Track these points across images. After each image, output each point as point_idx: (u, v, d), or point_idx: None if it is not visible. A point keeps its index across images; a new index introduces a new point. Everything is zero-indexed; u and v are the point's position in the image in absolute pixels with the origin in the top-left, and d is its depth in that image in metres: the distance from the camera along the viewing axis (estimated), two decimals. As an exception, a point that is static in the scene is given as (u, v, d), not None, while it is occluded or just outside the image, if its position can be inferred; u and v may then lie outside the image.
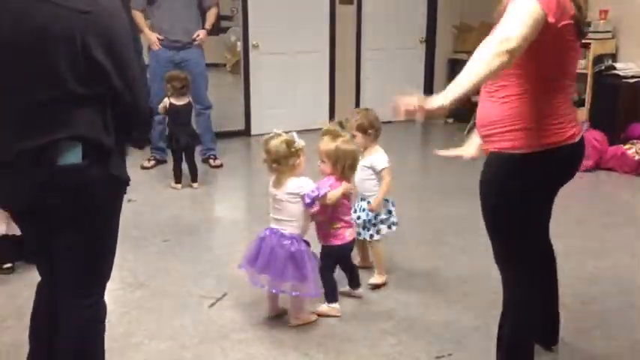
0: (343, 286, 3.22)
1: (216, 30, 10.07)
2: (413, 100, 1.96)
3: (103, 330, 2.15)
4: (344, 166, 3.00)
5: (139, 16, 5.38)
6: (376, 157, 3.33)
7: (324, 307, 3.07)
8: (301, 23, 7.13)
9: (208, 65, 6.04)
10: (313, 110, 7.35)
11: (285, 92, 7.19)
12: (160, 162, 5.73)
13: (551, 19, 2.01)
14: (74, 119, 1.84)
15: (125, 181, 2.03)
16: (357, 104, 7.59)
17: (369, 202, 3.33)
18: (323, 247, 3.08)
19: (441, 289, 3.35)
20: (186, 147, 5.06)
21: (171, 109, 4.96)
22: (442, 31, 7.95)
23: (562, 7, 2.05)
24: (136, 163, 5.40)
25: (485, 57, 1.96)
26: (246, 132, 7.08)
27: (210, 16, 5.68)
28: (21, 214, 2.05)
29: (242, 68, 7.07)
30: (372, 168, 3.32)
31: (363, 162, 3.32)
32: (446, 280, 3.47)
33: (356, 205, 3.41)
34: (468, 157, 2.62)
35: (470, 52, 5.45)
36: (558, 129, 2.17)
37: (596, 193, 5.17)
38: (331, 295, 3.06)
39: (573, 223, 4.36)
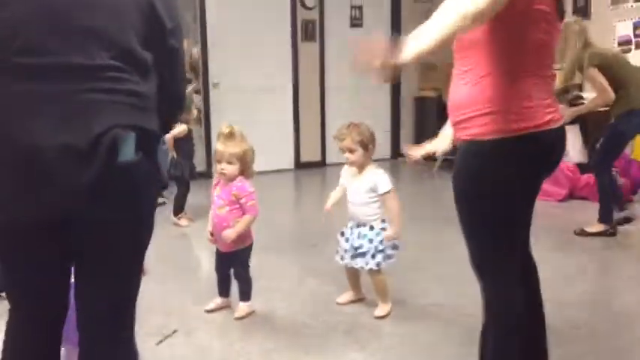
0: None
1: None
2: (379, 50, 1.69)
3: None
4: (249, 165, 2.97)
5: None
6: (378, 177, 2.96)
7: (246, 308, 3.04)
8: (263, 60, 6.96)
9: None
10: (278, 148, 7.13)
11: (249, 131, 6.90)
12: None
13: None
14: (131, 100, 1.50)
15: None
16: (323, 142, 7.39)
17: (371, 228, 2.97)
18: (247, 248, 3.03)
19: (419, 317, 3.03)
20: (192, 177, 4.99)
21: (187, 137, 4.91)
22: (407, 69, 7.85)
23: None
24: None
25: (449, 16, 1.72)
26: (207, 174, 6.77)
27: None
28: (43, 229, 1.53)
29: (202, 107, 6.82)
30: (374, 190, 2.95)
31: (361, 184, 2.99)
32: (422, 307, 3.15)
33: (348, 232, 3.05)
34: (440, 151, 2.38)
35: (436, 89, 5.15)
36: (532, 113, 1.94)
37: (572, 220, 4.95)
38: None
39: (553, 249, 4.12)
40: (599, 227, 4.45)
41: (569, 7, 6.70)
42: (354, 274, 3.16)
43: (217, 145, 2.96)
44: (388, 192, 2.94)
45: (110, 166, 1.44)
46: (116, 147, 1.45)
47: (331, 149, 7.25)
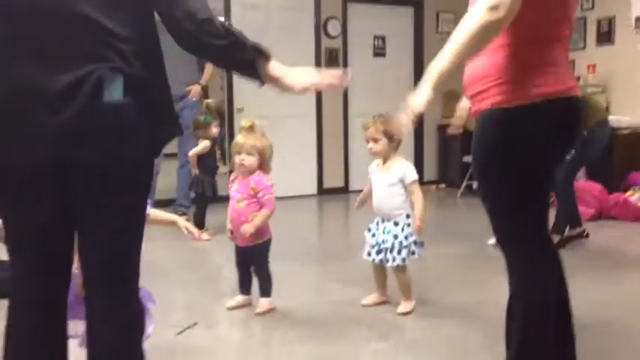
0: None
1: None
2: (406, 114, 1.82)
3: (141, 336, 1.67)
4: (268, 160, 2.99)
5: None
6: (405, 167, 2.94)
7: (267, 304, 3.00)
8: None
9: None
10: (301, 174, 7.14)
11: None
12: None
13: None
14: (113, 45, 1.47)
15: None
16: (346, 168, 7.37)
17: (396, 224, 2.92)
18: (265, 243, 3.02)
19: (442, 314, 2.96)
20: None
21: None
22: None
23: None
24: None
25: (471, 30, 1.76)
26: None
27: (207, 70, 5.67)
28: (34, 179, 1.50)
29: (227, 133, 6.90)
30: (402, 181, 2.92)
31: (387, 176, 2.94)
32: (445, 306, 3.08)
33: (374, 228, 3.01)
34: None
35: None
36: (555, 79, 1.91)
37: (601, 237, 4.84)
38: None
39: (584, 259, 4.03)
40: (574, 231, 4.43)
41: (593, 33, 6.71)
42: (380, 273, 3.08)
43: (237, 138, 2.98)
44: (416, 181, 2.92)
45: (95, 104, 1.41)
46: (101, 86, 1.42)
47: (354, 176, 7.23)
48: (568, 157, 4.32)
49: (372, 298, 3.11)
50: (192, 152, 4.87)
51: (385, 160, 2.97)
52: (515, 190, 1.98)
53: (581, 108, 2.01)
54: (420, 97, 1.82)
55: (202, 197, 4.88)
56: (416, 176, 2.94)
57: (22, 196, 1.53)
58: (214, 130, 4.87)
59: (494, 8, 1.73)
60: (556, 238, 4.25)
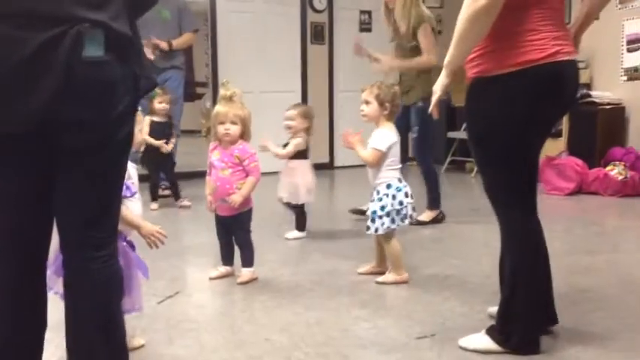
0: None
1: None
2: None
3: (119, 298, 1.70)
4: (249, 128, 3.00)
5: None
6: (376, 134, 2.93)
7: (249, 273, 3.01)
8: (272, 62, 7.01)
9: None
10: (286, 150, 7.14)
11: (257, 132, 6.94)
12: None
13: None
14: (93, 2, 1.45)
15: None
16: (331, 144, 7.38)
17: (377, 192, 2.92)
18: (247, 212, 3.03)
19: (424, 284, 2.99)
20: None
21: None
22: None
23: None
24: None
25: (465, 20, 1.94)
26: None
27: (184, 36, 5.49)
28: (17, 143, 1.49)
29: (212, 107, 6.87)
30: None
31: (369, 142, 2.95)
32: (427, 276, 3.12)
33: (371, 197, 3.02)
34: None
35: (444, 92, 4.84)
36: (537, 45, 1.98)
37: (580, 210, 4.92)
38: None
39: (562, 230, 4.09)
40: (431, 215, 4.29)
41: (578, 5, 6.73)
42: (377, 242, 3.08)
43: (219, 108, 2.96)
44: (374, 149, 2.90)
45: (75, 60, 1.41)
46: (81, 42, 1.41)
47: (339, 152, 7.25)
48: (415, 136, 4.29)
49: (367, 266, 3.14)
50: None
51: (376, 126, 3.00)
52: (500, 157, 2.11)
53: (568, 71, 2.06)
54: (437, 83, 2.18)
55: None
56: (377, 145, 2.90)
57: (4, 160, 1.53)
58: (156, 105, 4.80)
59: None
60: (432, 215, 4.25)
